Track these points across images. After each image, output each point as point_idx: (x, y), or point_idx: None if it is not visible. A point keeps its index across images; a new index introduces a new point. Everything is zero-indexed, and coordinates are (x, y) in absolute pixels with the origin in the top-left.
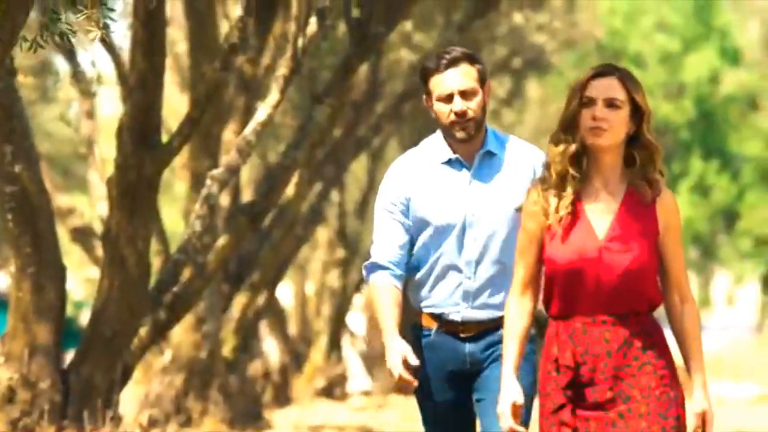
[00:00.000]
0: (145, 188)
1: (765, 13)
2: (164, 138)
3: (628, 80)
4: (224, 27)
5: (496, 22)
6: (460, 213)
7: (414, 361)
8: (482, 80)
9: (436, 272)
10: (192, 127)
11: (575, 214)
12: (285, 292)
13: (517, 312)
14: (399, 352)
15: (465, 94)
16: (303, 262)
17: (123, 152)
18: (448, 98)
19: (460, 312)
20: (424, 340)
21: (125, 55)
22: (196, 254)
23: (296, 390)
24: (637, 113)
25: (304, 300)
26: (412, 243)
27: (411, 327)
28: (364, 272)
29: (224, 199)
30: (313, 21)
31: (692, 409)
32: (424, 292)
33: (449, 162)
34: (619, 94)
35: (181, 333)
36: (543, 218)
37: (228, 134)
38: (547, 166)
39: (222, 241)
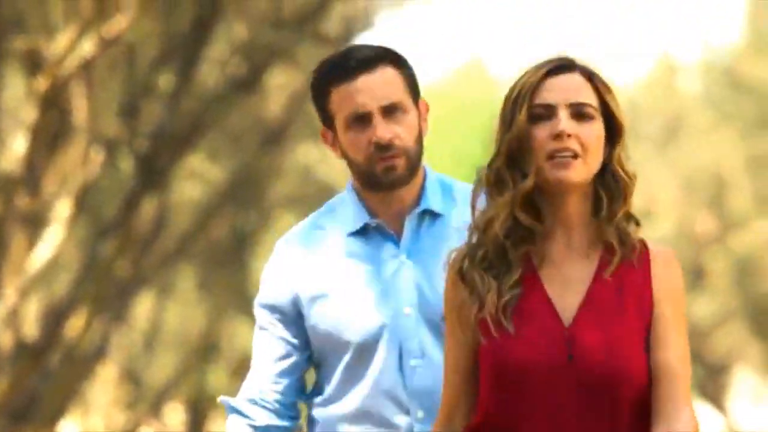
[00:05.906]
0: None
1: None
2: None
3: (596, 77)
4: (5, 161)
5: (284, 157)
6: (387, 318)
7: None
8: (414, 91)
9: (368, 418)
10: None
11: (528, 289)
12: (69, 430)
13: None
14: None
15: (389, 112)
16: (87, 399)
17: None
18: (363, 120)
19: None
20: None
21: None
22: None
23: None
24: (611, 129)
25: None
26: (319, 369)
27: None
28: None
29: (6, 337)
30: (97, 154)
31: None
32: None
33: (364, 232)
34: (590, 98)
35: None
36: (475, 309)
37: (9, 272)
38: (481, 227)
39: (4, 379)
